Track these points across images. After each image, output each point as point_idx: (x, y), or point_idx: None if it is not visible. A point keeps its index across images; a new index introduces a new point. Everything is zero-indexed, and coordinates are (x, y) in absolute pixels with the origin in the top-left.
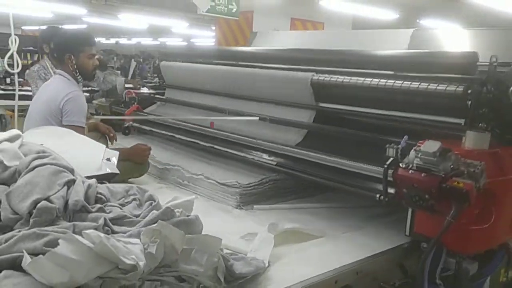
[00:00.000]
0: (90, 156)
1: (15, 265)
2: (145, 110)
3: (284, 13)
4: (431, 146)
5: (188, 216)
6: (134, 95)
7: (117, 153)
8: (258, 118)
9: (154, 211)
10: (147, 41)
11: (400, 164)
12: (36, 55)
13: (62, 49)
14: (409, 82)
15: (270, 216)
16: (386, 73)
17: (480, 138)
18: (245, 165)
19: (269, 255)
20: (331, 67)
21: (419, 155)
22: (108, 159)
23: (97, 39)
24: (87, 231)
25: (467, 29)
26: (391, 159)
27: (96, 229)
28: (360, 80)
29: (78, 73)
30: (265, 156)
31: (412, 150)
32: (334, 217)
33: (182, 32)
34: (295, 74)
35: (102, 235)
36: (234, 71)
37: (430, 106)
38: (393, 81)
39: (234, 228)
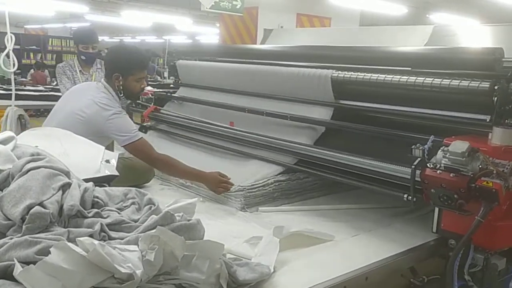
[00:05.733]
0: (88, 158)
1: (7, 274)
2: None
3: (290, 9)
4: (459, 146)
5: (189, 220)
6: (150, 95)
7: (117, 154)
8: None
9: (154, 215)
10: (151, 39)
11: (428, 164)
12: (40, 54)
13: (112, 66)
14: (431, 79)
15: (275, 218)
16: (408, 70)
17: (507, 134)
18: (261, 164)
19: (274, 260)
20: (350, 64)
21: (447, 155)
22: (107, 161)
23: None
24: (81, 238)
25: (487, 25)
26: (419, 159)
27: (92, 235)
28: (381, 76)
29: (122, 93)
30: (283, 155)
31: (440, 150)
32: (342, 219)
33: (186, 30)
34: (315, 72)
35: (97, 242)
36: (253, 69)
37: (454, 103)
38: (414, 78)
39: (238, 232)
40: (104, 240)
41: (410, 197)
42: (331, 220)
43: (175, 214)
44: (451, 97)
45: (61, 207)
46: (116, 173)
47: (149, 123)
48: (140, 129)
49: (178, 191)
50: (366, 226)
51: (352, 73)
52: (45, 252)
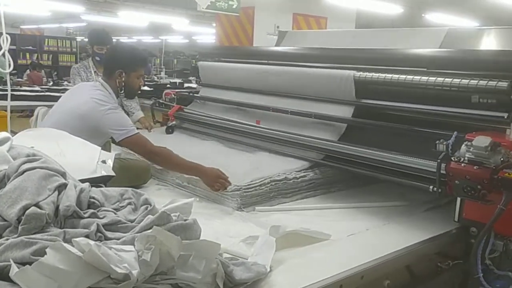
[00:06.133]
0: (84, 158)
1: (3, 274)
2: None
3: (286, 9)
4: (482, 141)
5: (185, 220)
6: (173, 95)
7: (113, 154)
8: None
9: (150, 215)
10: (147, 39)
11: (452, 158)
12: (36, 54)
13: (115, 63)
14: (450, 79)
15: (272, 218)
16: (425, 70)
17: None
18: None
19: (270, 260)
20: (371, 65)
21: (470, 149)
22: (104, 161)
23: None
24: (77, 239)
25: (498, 28)
26: (443, 153)
27: (88, 235)
28: (402, 77)
29: (122, 90)
30: (310, 151)
31: (463, 145)
32: (338, 218)
33: (183, 30)
34: (339, 72)
35: (92, 243)
36: (277, 70)
37: (473, 101)
38: (434, 78)
39: (235, 231)
40: (101, 241)
41: (435, 188)
42: (327, 219)
43: (172, 214)
44: (469, 96)
45: (57, 208)
46: (113, 174)
47: (174, 122)
48: (166, 130)
49: (175, 191)
50: (362, 225)
51: (374, 73)
52: (41, 252)
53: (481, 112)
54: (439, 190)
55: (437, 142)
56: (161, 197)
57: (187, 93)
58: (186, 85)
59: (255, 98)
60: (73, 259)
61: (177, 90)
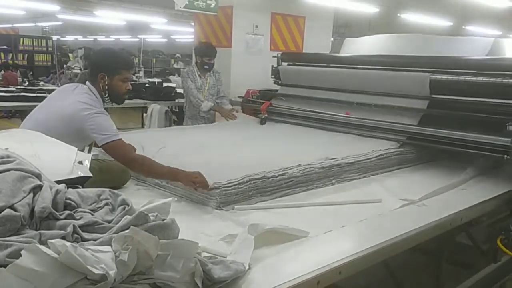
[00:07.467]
0: (60, 159)
1: None
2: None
3: (265, 8)
4: None
5: (163, 220)
6: (258, 93)
7: (90, 155)
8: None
9: (127, 216)
10: (125, 38)
11: None
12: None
13: (98, 66)
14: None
15: (251, 216)
16: (480, 72)
17: None
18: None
19: (249, 257)
20: (442, 69)
21: None
22: (80, 162)
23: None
24: (52, 241)
25: None
26: None
27: (64, 237)
28: (468, 78)
29: (107, 94)
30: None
31: None
32: (316, 215)
33: (162, 28)
34: (417, 74)
35: (68, 244)
36: (362, 73)
37: None
38: (488, 78)
39: (214, 230)
40: (77, 242)
41: (508, 157)
42: (305, 217)
43: (150, 214)
44: None
45: (32, 210)
46: (90, 174)
47: (266, 115)
48: (261, 121)
49: (154, 191)
50: (338, 222)
51: (447, 75)
52: (16, 255)
53: None
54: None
55: (507, 124)
56: (140, 197)
57: (270, 92)
58: (165, 84)
59: (341, 95)
60: (48, 261)
61: (259, 89)
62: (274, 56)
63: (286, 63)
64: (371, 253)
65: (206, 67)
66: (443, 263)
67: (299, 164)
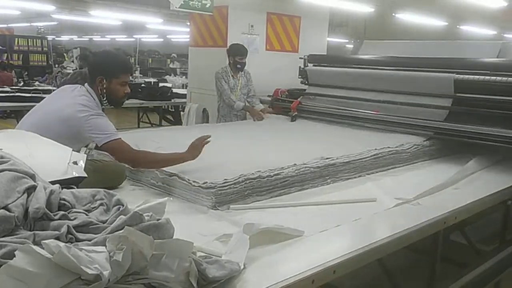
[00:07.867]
0: (55, 160)
1: None
2: None
3: (260, 8)
4: None
5: (158, 220)
6: (286, 92)
7: (85, 156)
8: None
9: (122, 216)
10: (121, 38)
11: None
12: (5, 54)
13: (96, 69)
14: None
15: (246, 216)
16: (495, 73)
17: None
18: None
19: (244, 257)
20: (465, 70)
21: None
22: (75, 162)
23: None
24: (46, 241)
25: None
26: None
27: (58, 237)
28: (487, 77)
29: (105, 97)
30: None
31: None
32: (311, 215)
33: (157, 28)
34: (442, 75)
35: (62, 244)
36: (389, 73)
37: None
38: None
39: (209, 230)
40: (71, 242)
41: None
42: (301, 216)
43: (144, 214)
44: None
45: (26, 210)
46: (84, 175)
47: (296, 113)
48: (291, 119)
49: (149, 191)
50: (333, 221)
51: (469, 76)
52: (10, 255)
53: None
54: None
55: None
56: (135, 197)
57: (298, 91)
58: (161, 84)
59: (368, 94)
60: (42, 261)
61: (288, 89)
62: (300, 58)
63: (311, 64)
64: (366, 252)
65: (238, 66)
66: (438, 262)
67: (295, 164)
